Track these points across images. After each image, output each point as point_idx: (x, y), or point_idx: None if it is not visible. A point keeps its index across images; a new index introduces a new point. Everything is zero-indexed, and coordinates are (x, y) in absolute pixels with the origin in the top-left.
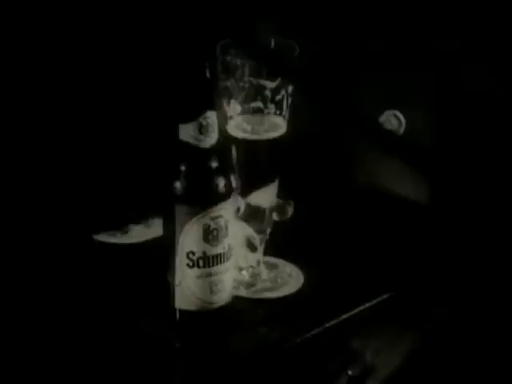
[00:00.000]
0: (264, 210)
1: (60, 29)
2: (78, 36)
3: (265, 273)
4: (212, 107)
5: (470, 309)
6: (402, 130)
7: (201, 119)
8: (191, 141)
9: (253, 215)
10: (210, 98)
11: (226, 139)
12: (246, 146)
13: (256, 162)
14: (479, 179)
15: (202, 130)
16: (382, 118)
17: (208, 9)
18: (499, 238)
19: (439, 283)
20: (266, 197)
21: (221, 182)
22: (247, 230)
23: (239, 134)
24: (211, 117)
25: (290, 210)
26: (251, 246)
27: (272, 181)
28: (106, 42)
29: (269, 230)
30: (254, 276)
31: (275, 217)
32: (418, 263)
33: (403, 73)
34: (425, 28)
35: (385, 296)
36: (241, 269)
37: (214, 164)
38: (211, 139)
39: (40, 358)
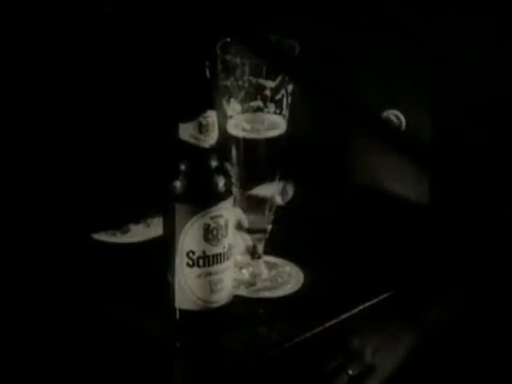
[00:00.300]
0: (265, 202)
1: (60, 29)
2: (78, 35)
3: (265, 272)
4: (212, 106)
5: (470, 308)
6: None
7: (201, 118)
8: (191, 140)
9: (252, 208)
10: (209, 97)
11: (225, 138)
12: (245, 145)
13: (256, 162)
14: (480, 178)
15: (201, 129)
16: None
17: (208, 8)
18: (500, 237)
19: (439, 282)
20: (265, 193)
21: (221, 182)
22: (238, 214)
23: (239, 133)
24: (211, 116)
25: (291, 190)
26: (239, 226)
27: (272, 180)
28: (106, 42)
29: (269, 228)
30: (254, 275)
31: (279, 200)
32: (418, 262)
33: (403, 72)
34: (425, 27)
35: (385, 295)
36: (241, 268)
37: (214, 163)
38: (211, 138)
39: (39, 358)
